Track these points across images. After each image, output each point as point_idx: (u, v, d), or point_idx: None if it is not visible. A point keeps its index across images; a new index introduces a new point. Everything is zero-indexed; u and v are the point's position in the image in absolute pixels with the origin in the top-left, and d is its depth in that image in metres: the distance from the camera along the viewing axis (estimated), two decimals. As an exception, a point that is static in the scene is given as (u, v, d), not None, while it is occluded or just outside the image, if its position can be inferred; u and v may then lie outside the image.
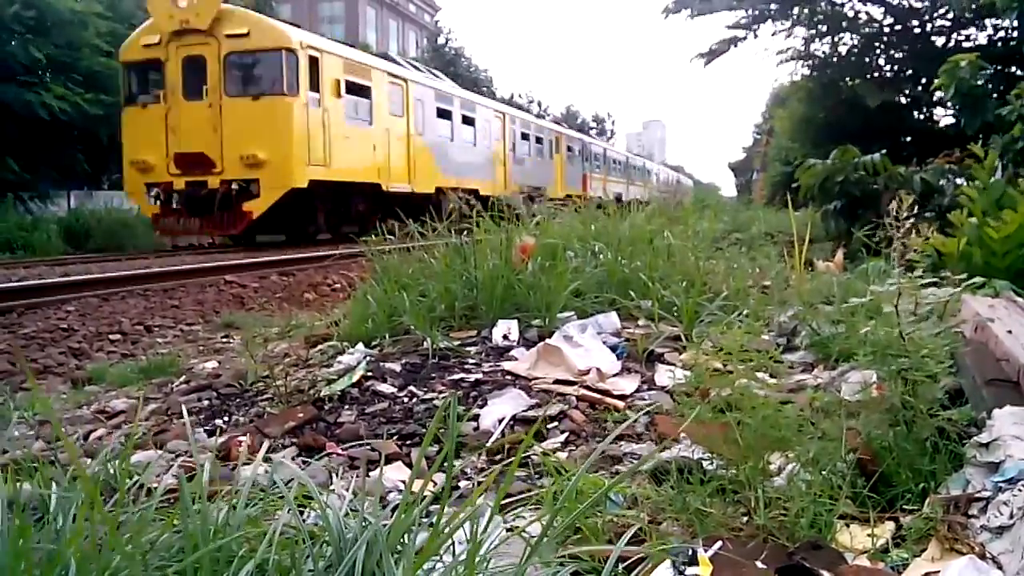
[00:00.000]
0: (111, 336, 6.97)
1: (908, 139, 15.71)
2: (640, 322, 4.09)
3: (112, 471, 2.35)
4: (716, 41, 16.02)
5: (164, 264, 10.45)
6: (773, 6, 15.01)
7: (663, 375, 3.28)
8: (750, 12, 15.23)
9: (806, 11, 14.44)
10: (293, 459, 2.69)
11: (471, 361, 3.63)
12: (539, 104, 55.46)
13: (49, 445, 3.22)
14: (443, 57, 49.89)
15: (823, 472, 2.03)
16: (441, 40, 53.05)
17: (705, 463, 2.18)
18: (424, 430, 2.79)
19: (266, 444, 2.83)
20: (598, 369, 3.24)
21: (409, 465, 2.57)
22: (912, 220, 2.33)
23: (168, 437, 3.00)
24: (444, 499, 1.57)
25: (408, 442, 2.82)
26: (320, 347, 4.21)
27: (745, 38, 15.58)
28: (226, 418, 3.30)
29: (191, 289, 9.20)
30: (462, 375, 3.42)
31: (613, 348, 3.60)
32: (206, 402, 3.58)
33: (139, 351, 6.50)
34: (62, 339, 6.67)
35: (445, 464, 2.44)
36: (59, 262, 11.66)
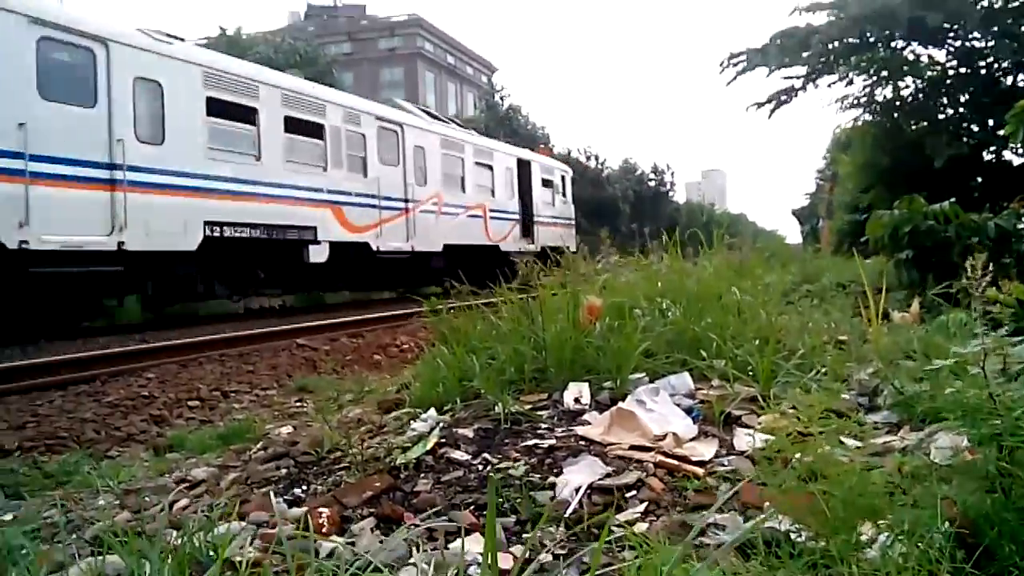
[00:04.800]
0: (189, 403, 7.20)
1: (979, 180, 15.28)
2: (714, 383, 4.03)
3: (197, 544, 2.41)
4: (776, 91, 15.94)
5: (238, 329, 10.74)
6: (830, 59, 14.91)
7: (742, 439, 3.21)
8: (806, 69, 15.16)
9: (865, 59, 14.28)
10: (372, 531, 2.71)
11: (543, 426, 3.62)
12: (596, 158, 55.71)
13: (135, 515, 3.32)
14: (498, 115, 50.91)
15: (919, 544, 1.95)
16: (496, 99, 54.13)
17: (793, 535, 2.12)
18: (502, 499, 2.78)
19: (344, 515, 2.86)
20: (674, 434, 3.20)
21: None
22: (990, 275, 2.27)
23: (250, 508, 3.05)
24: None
25: (485, 512, 2.81)
26: (394, 413, 4.25)
27: (805, 88, 15.49)
28: (304, 487, 3.34)
29: (264, 353, 9.45)
30: (535, 441, 3.41)
31: (688, 411, 3.54)
32: (284, 470, 3.64)
33: (216, 417, 6.68)
34: (143, 406, 6.91)
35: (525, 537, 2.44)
36: (137, 328, 12.08)
